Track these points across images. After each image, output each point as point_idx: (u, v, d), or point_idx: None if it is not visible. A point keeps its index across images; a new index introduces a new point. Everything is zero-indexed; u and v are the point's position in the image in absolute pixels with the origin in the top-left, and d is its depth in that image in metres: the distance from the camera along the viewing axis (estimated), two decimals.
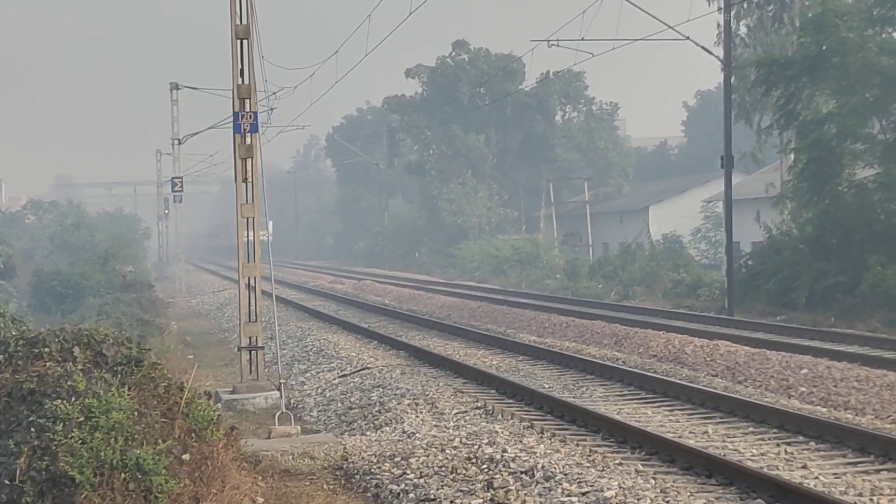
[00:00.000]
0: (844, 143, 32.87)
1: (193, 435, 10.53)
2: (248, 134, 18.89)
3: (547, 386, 19.36)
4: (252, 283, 19.51)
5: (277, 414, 15.30)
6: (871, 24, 32.29)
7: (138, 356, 11.19)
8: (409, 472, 12.18)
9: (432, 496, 11.14)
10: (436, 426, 14.93)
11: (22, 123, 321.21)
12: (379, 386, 19.12)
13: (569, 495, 10.58)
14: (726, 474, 11.51)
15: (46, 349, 10.95)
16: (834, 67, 32.39)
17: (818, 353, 21.69)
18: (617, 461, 12.25)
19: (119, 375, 10.73)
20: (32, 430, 9.66)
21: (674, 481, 11.38)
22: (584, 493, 10.58)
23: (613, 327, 27.65)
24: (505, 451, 12.50)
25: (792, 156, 37.36)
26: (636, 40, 37.73)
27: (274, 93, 43.51)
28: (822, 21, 32.43)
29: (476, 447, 12.88)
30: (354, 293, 49.44)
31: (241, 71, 19.05)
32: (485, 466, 12.01)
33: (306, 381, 21.72)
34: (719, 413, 15.87)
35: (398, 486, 11.77)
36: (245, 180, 19.10)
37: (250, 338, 19.40)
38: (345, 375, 21.11)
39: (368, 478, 12.41)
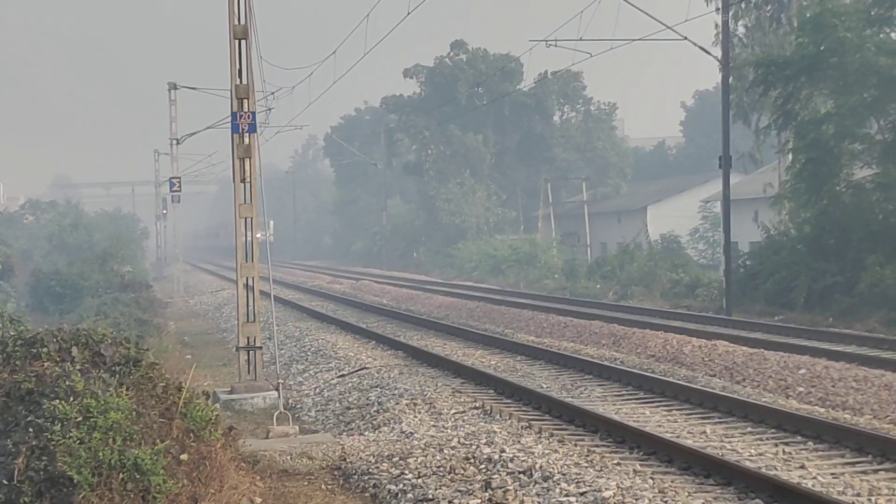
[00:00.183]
0: (842, 144, 32.89)
1: (191, 435, 10.53)
2: (247, 134, 18.90)
3: (545, 386, 19.36)
4: (250, 283, 19.51)
5: (275, 414, 15.31)
6: (870, 24, 32.30)
7: (136, 356, 11.19)
8: (407, 472, 12.18)
9: (430, 496, 11.14)
10: (434, 426, 14.94)
11: (20, 123, 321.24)
12: (377, 386, 19.13)
13: (567, 495, 10.59)
14: (724, 474, 11.51)
15: (44, 349, 10.94)
16: (832, 67, 32.41)
17: (816, 353, 21.69)
18: (615, 461, 12.25)
19: (117, 375, 10.72)
20: (30, 430, 9.65)
21: (672, 481, 11.38)
22: (582, 493, 10.58)
23: (611, 327, 27.66)
24: (503, 451, 12.51)
25: (790, 156, 37.36)
26: (634, 40, 37.79)
27: (272, 93, 43.58)
28: (820, 21, 32.45)
29: (474, 447, 12.88)
30: (352, 293, 49.43)
31: (240, 71, 19.06)
32: (483, 466, 12.01)
33: (304, 381, 21.72)
34: (717, 413, 15.87)
35: (396, 486, 11.78)
36: (243, 180, 19.10)
37: (248, 338, 19.40)
38: (343, 375, 21.11)
39: (367, 478, 12.41)
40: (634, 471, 11.74)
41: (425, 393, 17.66)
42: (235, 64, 19.03)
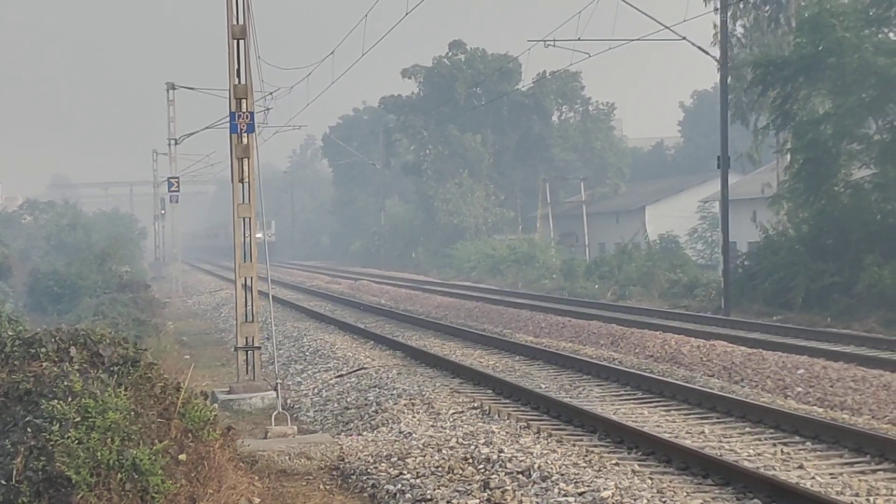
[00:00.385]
0: (841, 144, 32.89)
1: (190, 435, 10.54)
2: (245, 134, 18.90)
3: (543, 386, 19.35)
4: (249, 283, 19.51)
5: (274, 414, 15.31)
6: (868, 25, 32.32)
7: (135, 356, 11.19)
8: (405, 472, 12.19)
9: (429, 496, 11.14)
10: (432, 426, 14.94)
11: (19, 123, 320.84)
12: (375, 386, 19.13)
13: (565, 495, 10.59)
14: (723, 474, 11.51)
15: (43, 349, 10.94)
16: (830, 68, 32.41)
17: (814, 353, 21.70)
18: (613, 461, 12.26)
19: (115, 376, 10.72)
20: (29, 430, 9.65)
21: (670, 481, 11.38)
22: (580, 494, 10.59)
23: (610, 327, 27.66)
24: (501, 451, 12.51)
25: (788, 156, 37.37)
26: (632, 40, 37.80)
27: (270, 93, 43.52)
28: (818, 21, 32.46)
29: (472, 447, 12.89)
30: (351, 293, 49.42)
31: (238, 71, 19.06)
32: (481, 466, 12.02)
33: (303, 381, 21.72)
34: (716, 413, 15.87)
35: (395, 486, 11.78)
36: (242, 180, 19.10)
37: (247, 338, 19.41)
38: (341, 376, 21.11)
39: (365, 478, 12.41)
40: (633, 471, 11.75)
41: (424, 393, 17.66)
42: (234, 64, 19.03)
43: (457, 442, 13.35)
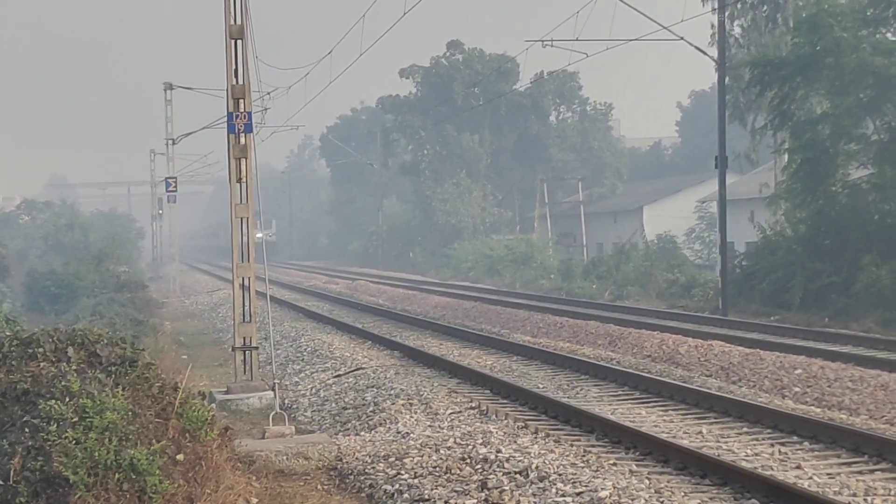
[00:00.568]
0: (838, 144, 32.92)
1: (187, 435, 10.53)
2: (243, 134, 18.88)
3: (541, 386, 19.36)
4: (246, 283, 19.51)
5: (272, 414, 15.29)
6: (865, 25, 32.36)
7: (132, 356, 11.18)
8: (403, 472, 12.18)
9: (426, 496, 11.14)
10: (430, 426, 14.93)
11: (16, 123, 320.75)
12: (373, 386, 19.12)
13: (563, 495, 10.59)
14: (720, 474, 11.52)
15: (40, 349, 10.93)
16: (828, 68, 32.42)
17: (812, 353, 21.72)
18: (611, 461, 12.26)
19: (113, 376, 10.72)
20: (26, 430, 9.64)
21: (668, 481, 11.39)
22: (578, 494, 10.59)
23: (607, 327, 27.67)
24: (499, 451, 12.51)
25: (786, 156, 37.39)
26: (630, 40, 37.77)
27: (268, 93, 43.52)
28: (816, 21, 32.47)
29: (470, 447, 12.89)
30: (349, 293, 49.42)
31: (236, 71, 19.04)
32: (479, 467, 12.01)
33: (300, 381, 21.72)
34: (713, 413, 15.87)
35: (392, 486, 11.78)
36: (239, 180, 19.08)
37: (244, 338, 19.40)
38: (339, 376, 21.11)
39: (363, 478, 12.41)
40: (631, 471, 11.75)
41: (421, 393, 17.66)
42: (231, 64, 19.01)
43: (454, 442, 13.35)
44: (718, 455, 12.66)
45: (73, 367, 10.63)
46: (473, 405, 16.51)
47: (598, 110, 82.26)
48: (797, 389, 18.22)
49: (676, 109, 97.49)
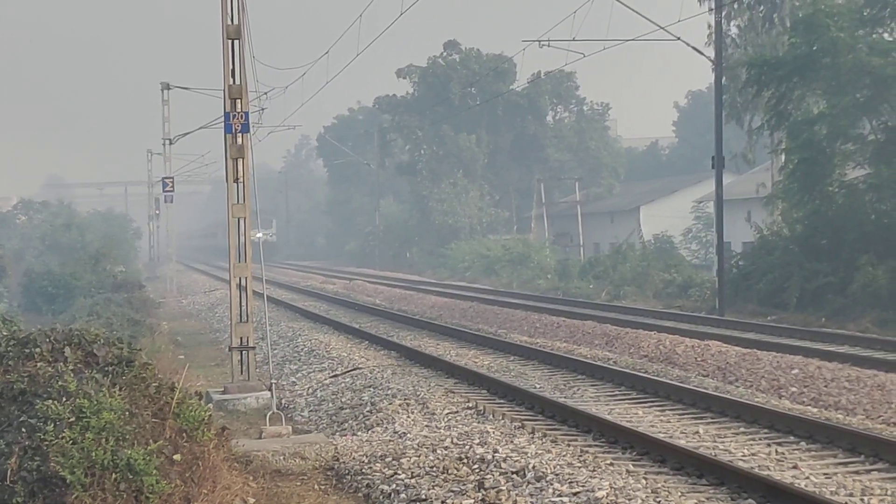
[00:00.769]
0: (835, 144, 32.93)
1: (184, 435, 10.53)
2: (240, 134, 18.88)
3: (538, 386, 19.36)
4: (243, 283, 19.50)
5: (268, 414, 15.29)
6: (862, 25, 32.38)
7: (129, 356, 11.18)
8: (400, 472, 12.18)
9: (423, 496, 11.14)
10: (427, 426, 14.93)
11: (13, 123, 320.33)
12: (370, 386, 19.13)
13: (560, 495, 10.59)
14: (717, 474, 11.52)
15: (37, 349, 10.93)
16: (825, 68, 32.43)
17: (809, 353, 21.73)
18: (608, 461, 12.26)
19: (110, 376, 10.71)
20: (23, 430, 9.64)
21: (665, 481, 11.39)
22: (575, 494, 10.59)
23: (604, 327, 27.67)
24: (496, 451, 12.51)
25: (783, 156, 37.42)
26: (627, 41, 37.81)
27: (265, 93, 43.52)
28: (812, 21, 32.49)
29: (467, 447, 12.89)
30: (345, 293, 49.41)
31: (233, 71, 19.03)
32: (476, 466, 12.02)
33: (297, 381, 21.72)
34: (710, 413, 15.87)
35: (389, 486, 11.78)
36: (236, 180, 19.08)
37: (241, 338, 19.39)
38: (336, 376, 21.11)
39: (360, 478, 12.41)
40: (627, 471, 11.75)
41: (418, 393, 17.66)
42: (228, 64, 19.01)
43: (451, 442, 13.35)
44: (715, 455, 12.66)
45: (70, 367, 10.63)
46: (470, 405, 16.50)
47: (595, 110, 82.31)
48: (794, 389, 18.22)
49: (673, 109, 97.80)
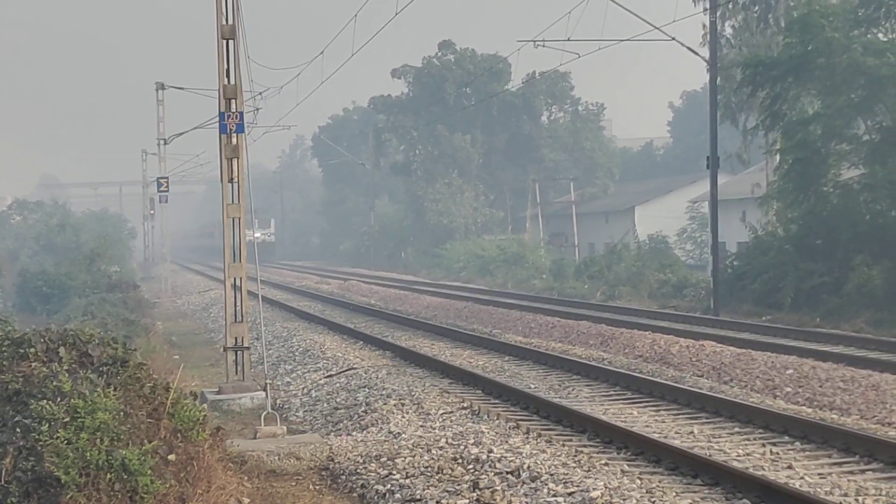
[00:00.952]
0: (830, 144, 32.95)
1: (179, 435, 10.52)
2: (234, 134, 18.87)
3: (533, 386, 19.36)
4: (238, 283, 19.49)
5: (263, 414, 15.29)
6: (857, 25, 32.37)
7: (124, 356, 11.17)
8: (394, 472, 12.18)
9: (418, 496, 11.14)
10: (422, 426, 14.93)
11: (7, 123, 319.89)
12: (365, 386, 19.12)
13: (555, 495, 10.59)
14: (712, 474, 11.53)
15: (32, 349, 10.91)
16: (819, 68, 32.45)
17: (803, 353, 21.74)
18: (603, 461, 12.27)
19: (105, 376, 10.70)
20: (18, 430, 9.63)
21: (659, 481, 11.40)
22: (569, 494, 10.59)
23: (599, 327, 27.68)
24: (491, 451, 12.51)
25: (777, 156, 37.45)
26: (622, 41, 37.84)
27: (260, 93, 43.57)
28: (807, 22, 32.50)
29: (462, 447, 12.89)
30: (340, 293, 49.38)
31: (227, 71, 19.02)
32: (471, 467, 12.02)
33: (292, 381, 21.70)
34: (705, 413, 15.88)
35: (384, 486, 11.77)
36: (231, 180, 19.07)
37: (236, 338, 19.37)
38: (331, 376, 21.10)
39: (354, 478, 12.41)
40: (622, 471, 11.76)
41: (413, 393, 17.65)
42: (223, 64, 18.99)
43: (446, 442, 13.35)
44: (710, 455, 12.68)
45: (65, 368, 10.62)
46: (465, 405, 16.50)
47: (590, 110, 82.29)
48: (788, 389, 18.24)
49: (668, 110, 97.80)
